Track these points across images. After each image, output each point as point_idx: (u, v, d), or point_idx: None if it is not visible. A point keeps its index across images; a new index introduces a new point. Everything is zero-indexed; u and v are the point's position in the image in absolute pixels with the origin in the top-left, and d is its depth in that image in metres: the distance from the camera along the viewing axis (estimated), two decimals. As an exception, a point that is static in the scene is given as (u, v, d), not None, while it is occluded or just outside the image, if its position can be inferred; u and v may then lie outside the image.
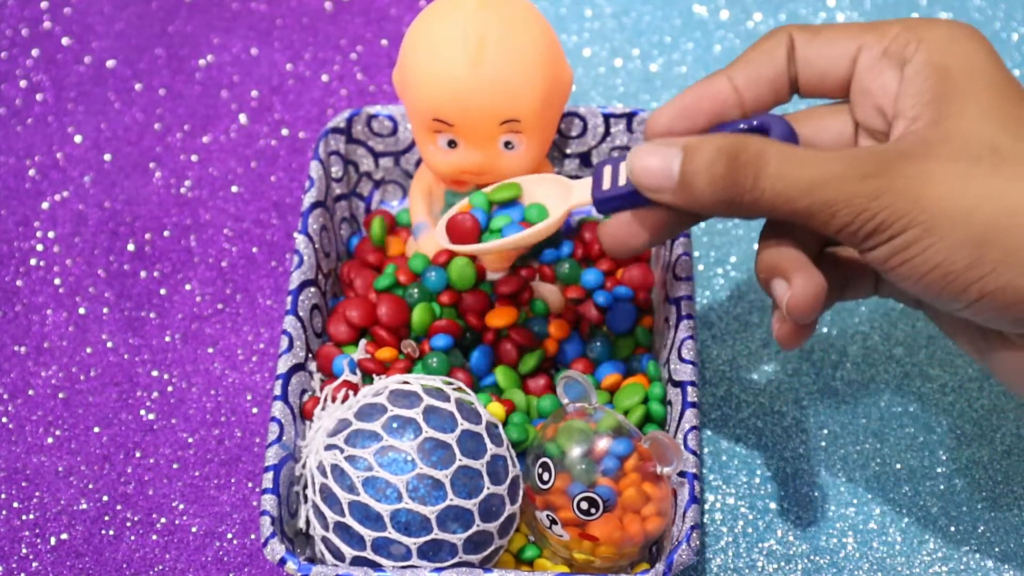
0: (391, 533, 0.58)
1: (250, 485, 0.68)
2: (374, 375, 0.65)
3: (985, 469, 0.68)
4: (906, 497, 0.67)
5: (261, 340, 0.72)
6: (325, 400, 0.64)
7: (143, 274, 0.75)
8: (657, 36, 0.85)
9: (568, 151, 0.73)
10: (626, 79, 0.83)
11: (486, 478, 0.59)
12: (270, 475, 0.60)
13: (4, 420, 0.70)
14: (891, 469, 0.68)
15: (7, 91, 0.82)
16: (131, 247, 0.76)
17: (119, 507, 0.67)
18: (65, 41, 0.84)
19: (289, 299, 0.66)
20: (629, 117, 0.72)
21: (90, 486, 0.68)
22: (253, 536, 0.66)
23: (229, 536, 0.66)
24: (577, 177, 0.73)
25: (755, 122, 0.58)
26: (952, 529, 0.66)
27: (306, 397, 0.65)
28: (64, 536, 0.66)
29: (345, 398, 0.63)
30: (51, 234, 0.76)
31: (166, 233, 0.76)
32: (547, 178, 0.63)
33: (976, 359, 0.59)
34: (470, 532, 0.59)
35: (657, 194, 0.56)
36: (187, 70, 0.83)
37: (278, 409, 0.63)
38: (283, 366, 0.64)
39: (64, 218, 0.77)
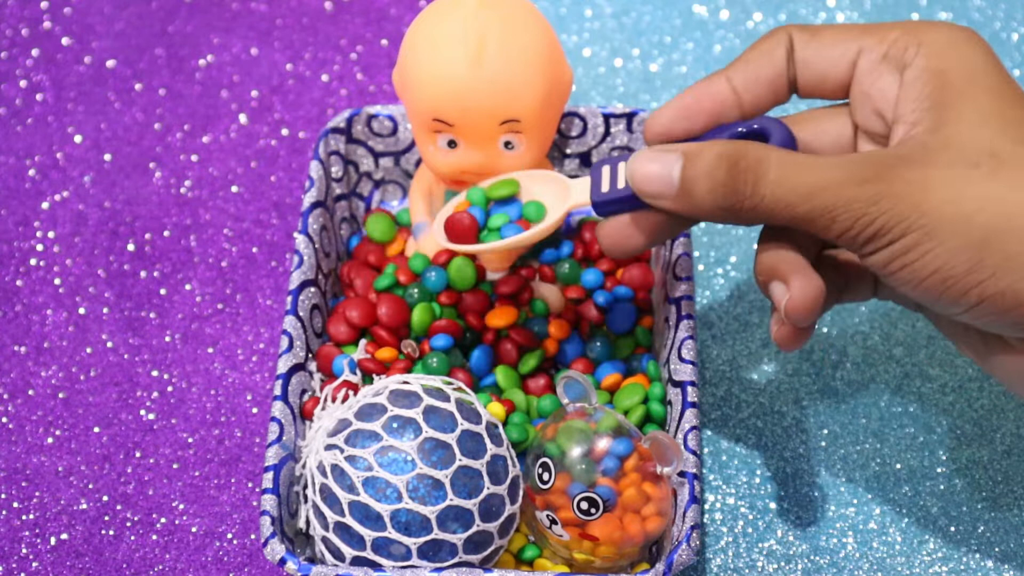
0: (391, 533, 0.58)
1: (250, 485, 0.68)
2: (374, 375, 0.65)
3: (985, 469, 0.68)
4: (906, 497, 0.67)
5: (261, 340, 0.72)
6: (325, 400, 0.64)
7: (143, 274, 0.75)
8: (657, 36, 0.85)
9: (568, 151, 0.73)
10: (626, 79, 0.83)
11: (486, 478, 0.59)
12: (270, 475, 0.60)
13: (4, 420, 0.70)
14: (891, 469, 0.68)
15: (7, 91, 0.82)
16: (131, 247, 0.76)
17: (119, 507, 0.67)
18: (65, 41, 0.84)
19: (289, 299, 0.66)
20: (629, 117, 0.72)
21: (90, 486, 0.68)
22: (253, 536, 0.66)
23: (229, 536, 0.66)
24: (577, 177, 0.73)
25: (754, 125, 0.58)
26: (952, 529, 0.66)
27: (306, 397, 0.65)
28: (64, 536, 0.66)
29: (345, 398, 0.63)
30: (51, 234, 0.76)
31: (166, 233, 0.76)
32: (545, 175, 0.64)
33: (976, 362, 0.59)
34: (470, 532, 0.59)
35: (657, 200, 0.56)
36: (187, 70, 0.83)
37: (278, 409, 0.63)
38: (283, 366, 0.64)
39: (64, 218, 0.77)
